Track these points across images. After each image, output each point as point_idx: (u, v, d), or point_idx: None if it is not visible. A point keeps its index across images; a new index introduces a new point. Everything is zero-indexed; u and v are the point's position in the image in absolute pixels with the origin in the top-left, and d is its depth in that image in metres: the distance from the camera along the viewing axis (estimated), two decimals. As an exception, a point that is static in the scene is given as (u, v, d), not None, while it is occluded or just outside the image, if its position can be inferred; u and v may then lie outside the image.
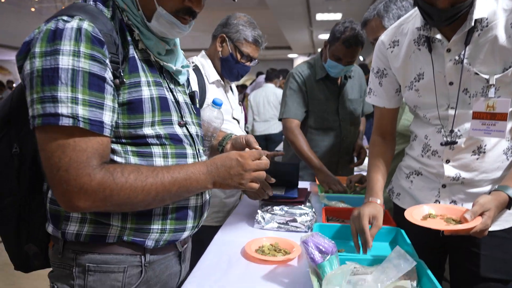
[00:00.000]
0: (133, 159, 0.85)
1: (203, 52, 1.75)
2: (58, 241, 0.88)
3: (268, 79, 5.49)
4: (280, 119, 2.09)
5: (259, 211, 1.44)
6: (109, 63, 0.79)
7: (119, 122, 0.83)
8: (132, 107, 0.84)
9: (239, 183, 0.90)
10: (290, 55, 14.20)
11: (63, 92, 0.73)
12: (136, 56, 0.87)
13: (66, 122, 0.73)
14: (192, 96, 1.08)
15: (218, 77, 1.70)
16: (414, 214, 1.07)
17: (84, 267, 0.85)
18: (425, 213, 1.09)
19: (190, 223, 0.96)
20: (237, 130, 1.75)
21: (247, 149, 1.00)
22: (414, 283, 0.97)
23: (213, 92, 1.67)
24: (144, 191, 0.79)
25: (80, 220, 0.85)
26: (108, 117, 0.79)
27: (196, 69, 1.64)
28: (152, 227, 0.89)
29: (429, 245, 1.31)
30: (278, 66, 6.40)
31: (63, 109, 0.73)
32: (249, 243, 1.22)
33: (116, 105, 0.81)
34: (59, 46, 0.74)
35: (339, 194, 1.76)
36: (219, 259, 1.16)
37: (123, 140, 0.85)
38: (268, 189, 1.39)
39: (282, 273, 1.08)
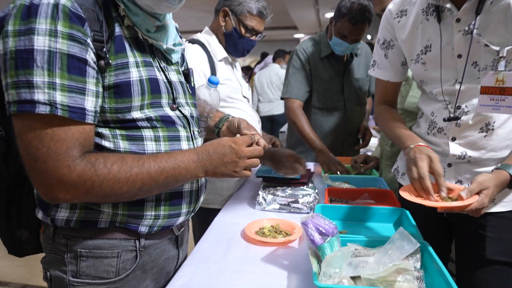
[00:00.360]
0: (123, 144, 0.80)
1: (206, 28, 1.68)
2: (48, 227, 0.85)
3: (274, 59, 5.41)
4: (282, 98, 2.04)
5: (260, 192, 1.41)
6: (91, 43, 0.72)
7: (106, 106, 0.77)
8: (120, 91, 0.78)
9: (233, 171, 0.87)
10: (296, 35, 13.93)
11: (39, 77, 0.67)
12: (122, 34, 0.80)
13: (42, 109, 0.67)
14: (186, 74, 1.01)
15: (226, 54, 1.63)
16: (411, 192, 1.03)
17: (76, 252, 0.83)
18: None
19: (185, 208, 0.92)
20: (247, 109, 1.70)
21: (238, 135, 0.96)
22: (418, 265, 0.94)
23: (223, 70, 1.60)
24: (129, 182, 0.75)
25: (69, 206, 0.82)
26: (91, 102, 0.73)
27: (203, 47, 1.57)
28: (145, 214, 0.85)
29: (434, 226, 1.28)
30: (284, 47, 6.28)
31: (39, 96, 0.67)
32: (249, 225, 1.20)
33: (101, 89, 0.75)
34: (33, 25, 0.67)
35: (343, 175, 1.72)
36: (218, 240, 1.15)
37: (111, 124, 0.80)
38: (302, 160, 1.38)
39: (282, 255, 1.06)
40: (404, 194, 1.02)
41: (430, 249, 0.95)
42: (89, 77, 0.72)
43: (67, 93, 0.69)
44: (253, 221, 1.23)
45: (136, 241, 0.87)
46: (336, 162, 1.78)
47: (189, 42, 1.57)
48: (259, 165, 0.91)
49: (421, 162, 0.99)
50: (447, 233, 1.33)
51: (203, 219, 1.51)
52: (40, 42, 0.67)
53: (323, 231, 0.92)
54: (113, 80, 0.77)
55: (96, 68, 0.74)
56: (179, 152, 0.83)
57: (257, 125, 1.73)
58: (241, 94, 1.69)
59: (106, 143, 0.79)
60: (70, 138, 0.70)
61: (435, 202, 0.98)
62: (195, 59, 1.51)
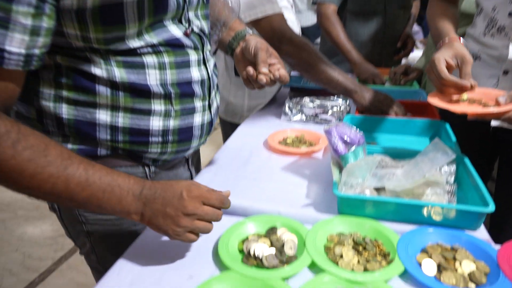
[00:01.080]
0: (119, 72, 0.65)
1: None
2: None
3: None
4: (314, 3, 1.83)
5: (287, 102, 1.33)
6: None
7: (90, 36, 0.60)
8: (107, 16, 0.59)
9: (172, 229, 0.60)
10: None
11: None
12: None
13: None
14: None
15: None
16: (441, 97, 0.91)
17: None
18: (455, 96, 0.92)
19: (195, 143, 0.82)
20: (292, 18, 1.53)
21: (208, 190, 0.63)
22: (451, 179, 0.86)
23: None
24: (34, 180, 0.54)
25: (62, 140, 0.71)
26: (18, 42, 0.52)
27: None
28: (149, 150, 0.75)
29: (477, 142, 1.17)
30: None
31: None
32: (272, 135, 1.15)
33: (46, 24, 0.55)
34: None
35: (380, 85, 1.58)
36: (240, 149, 1.11)
37: (102, 51, 0.64)
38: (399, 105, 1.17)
39: (305, 165, 1.01)
40: (432, 99, 0.90)
41: (468, 162, 0.86)
42: (18, 4, 0.51)
43: None
44: (276, 131, 1.17)
45: (146, 167, 0.79)
46: (374, 73, 1.63)
47: None
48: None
49: (438, 53, 0.89)
50: (491, 150, 1.21)
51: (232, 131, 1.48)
52: None
53: (348, 140, 0.85)
54: (99, 1, 0.58)
55: None
56: (122, 174, 0.61)
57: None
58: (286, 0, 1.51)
59: (97, 71, 0.65)
60: None
61: (466, 107, 0.86)
62: None
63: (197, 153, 1.01)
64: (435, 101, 0.89)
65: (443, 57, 0.88)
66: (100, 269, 0.84)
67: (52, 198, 0.59)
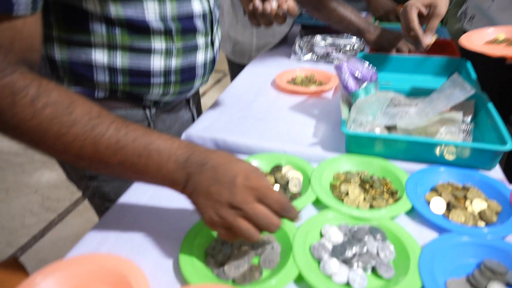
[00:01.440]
0: (114, 6, 0.60)
1: None
2: None
3: None
4: None
5: (297, 40, 1.26)
6: None
7: None
8: None
9: (208, 215, 0.48)
10: None
11: None
12: None
13: None
14: None
15: None
16: (474, 39, 0.83)
17: None
18: (490, 37, 0.84)
19: (198, 82, 0.78)
20: None
21: (270, 186, 0.48)
22: (468, 119, 0.81)
23: None
24: (58, 142, 0.47)
25: (55, 76, 0.67)
26: None
27: None
28: (151, 92, 0.72)
29: (499, 82, 1.10)
30: None
31: None
32: (280, 74, 1.10)
33: None
34: None
35: (397, 23, 1.48)
36: (247, 89, 1.07)
37: None
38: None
39: (313, 105, 0.97)
40: (465, 41, 0.83)
41: (487, 101, 0.81)
42: None
43: None
44: (285, 71, 1.12)
45: (146, 109, 0.76)
46: (390, 9, 1.52)
47: None
48: None
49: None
50: (512, 91, 1.14)
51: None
52: None
53: (359, 76, 0.80)
54: None
55: None
56: (164, 136, 0.50)
57: None
58: None
59: (89, 6, 0.59)
60: None
61: (503, 49, 0.79)
62: None
63: (197, 94, 0.98)
64: (468, 42, 0.82)
65: (415, 5, 0.88)
66: (104, 211, 0.85)
67: (85, 163, 0.50)
